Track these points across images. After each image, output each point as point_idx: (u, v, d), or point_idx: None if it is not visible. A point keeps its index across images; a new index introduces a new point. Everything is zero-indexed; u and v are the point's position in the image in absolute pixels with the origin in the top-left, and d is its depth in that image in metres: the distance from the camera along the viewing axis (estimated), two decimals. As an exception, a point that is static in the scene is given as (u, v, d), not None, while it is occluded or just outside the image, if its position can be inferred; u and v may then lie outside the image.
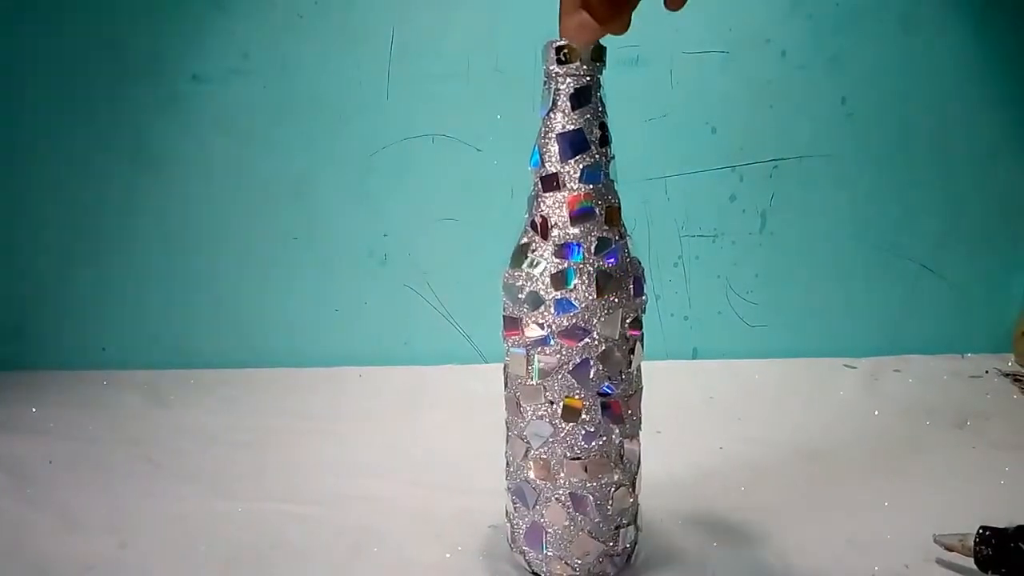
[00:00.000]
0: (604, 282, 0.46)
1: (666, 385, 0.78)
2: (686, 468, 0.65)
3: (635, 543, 0.53)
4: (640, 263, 0.49)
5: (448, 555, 0.55)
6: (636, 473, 0.51)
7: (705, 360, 0.86)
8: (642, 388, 0.51)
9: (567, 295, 0.46)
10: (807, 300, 0.85)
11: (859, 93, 0.80)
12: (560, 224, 0.46)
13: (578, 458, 0.48)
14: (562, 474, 0.48)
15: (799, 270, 0.84)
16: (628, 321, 0.47)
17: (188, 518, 0.59)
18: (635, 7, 0.42)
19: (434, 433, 0.71)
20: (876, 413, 0.75)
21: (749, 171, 0.82)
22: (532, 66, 0.77)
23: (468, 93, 0.79)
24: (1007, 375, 0.82)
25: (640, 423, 0.51)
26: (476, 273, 0.80)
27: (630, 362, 0.48)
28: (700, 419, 0.74)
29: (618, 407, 0.48)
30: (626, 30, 0.45)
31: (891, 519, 0.59)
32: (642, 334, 0.49)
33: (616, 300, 0.46)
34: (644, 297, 0.49)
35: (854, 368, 0.83)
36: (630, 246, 0.49)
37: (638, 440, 0.51)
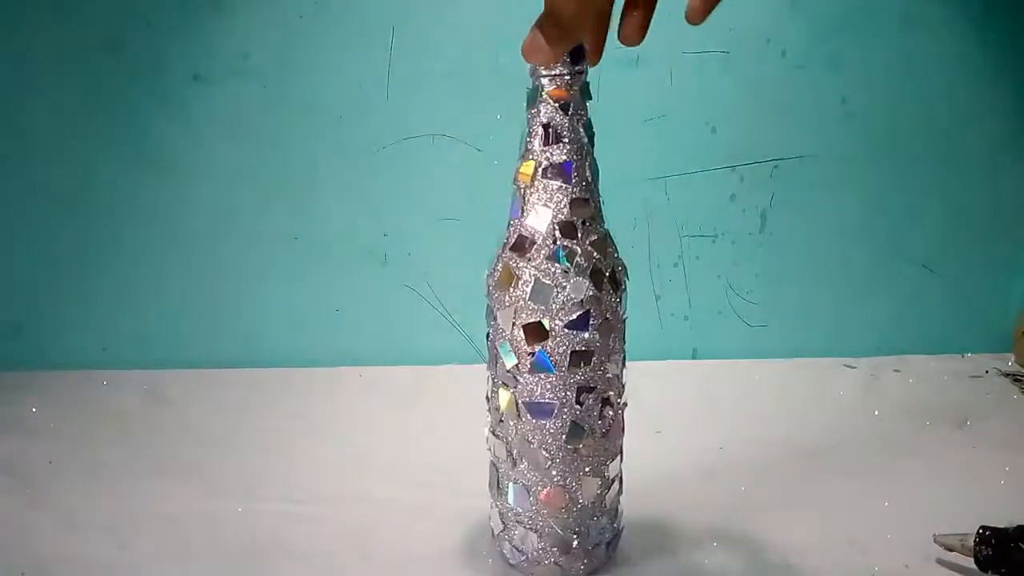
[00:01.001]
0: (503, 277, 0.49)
1: (666, 385, 0.79)
2: (686, 468, 0.65)
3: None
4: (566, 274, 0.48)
5: (447, 555, 0.55)
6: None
7: (705, 360, 0.86)
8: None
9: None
10: (807, 300, 0.85)
11: (859, 93, 0.80)
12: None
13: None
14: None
15: (799, 270, 0.84)
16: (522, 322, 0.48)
17: (188, 518, 0.59)
18: (582, 36, 0.43)
19: (434, 433, 0.71)
20: (876, 413, 0.75)
21: (749, 171, 0.82)
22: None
23: (468, 93, 0.79)
24: (1007, 375, 0.82)
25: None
26: (476, 273, 0.80)
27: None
28: (700, 419, 0.74)
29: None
30: (596, 61, 0.46)
31: (891, 519, 0.59)
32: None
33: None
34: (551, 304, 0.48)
35: (854, 368, 0.83)
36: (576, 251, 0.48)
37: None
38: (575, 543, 0.51)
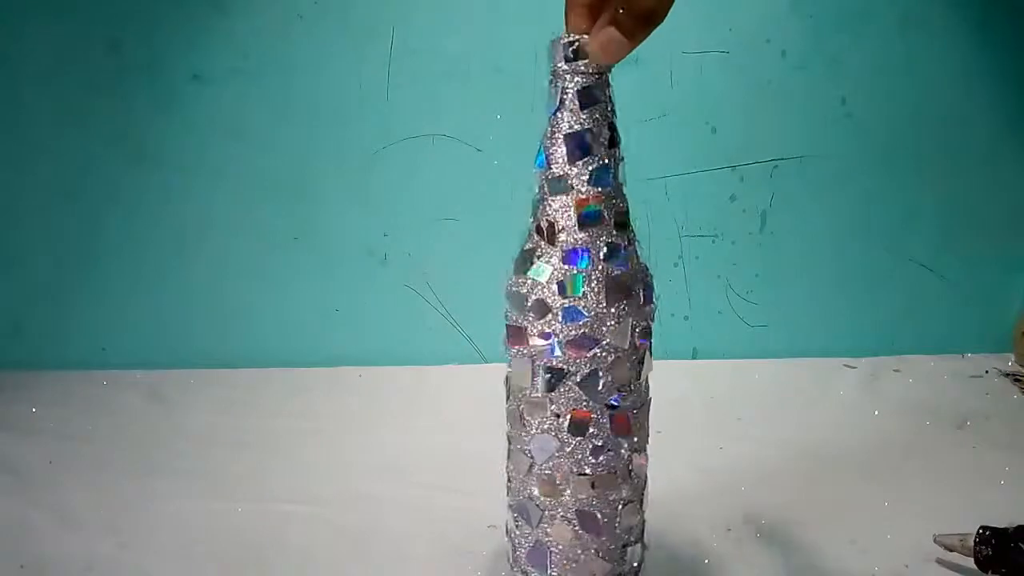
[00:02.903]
0: (613, 290, 0.44)
1: (666, 385, 0.78)
2: (686, 468, 0.65)
3: (641, 561, 0.52)
4: (648, 269, 0.47)
5: (447, 555, 0.55)
6: (644, 489, 0.49)
7: (705, 360, 0.86)
8: (650, 400, 0.49)
9: (575, 303, 0.44)
10: (807, 300, 0.85)
11: (859, 93, 0.80)
12: (567, 229, 0.44)
13: (585, 474, 0.46)
14: (568, 491, 0.46)
15: (799, 270, 0.84)
16: (638, 331, 0.46)
17: (188, 518, 0.59)
18: (663, 20, 0.42)
19: (434, 433, 0.71)
20: (876, 413, 0.75)
21: (749, 171, 0.82)
22: (532, 66, 0.77)
23: (468, 93, 0.79)
24: (1007, 375, 0.82)
25: (648, 437, 0.49)
26: (476, 273, 0.80)
27: (639, 373, 0.46)
28: (700, 419, 0.74)
29: (626, 420, 0.46)
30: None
31: (891, 519, 0.59)
32: (651, 344, 0.47)
33: (626, 309, 0.45)
34: (654, 305, 0.47)
35: (854, 368, 0.83)
36: (639, 251, 0.47)
37: (646, 455, 0.49)
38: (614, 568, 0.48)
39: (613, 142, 0.45)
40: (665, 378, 0.82)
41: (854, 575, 0.53)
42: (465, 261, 0.82)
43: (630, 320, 0.45)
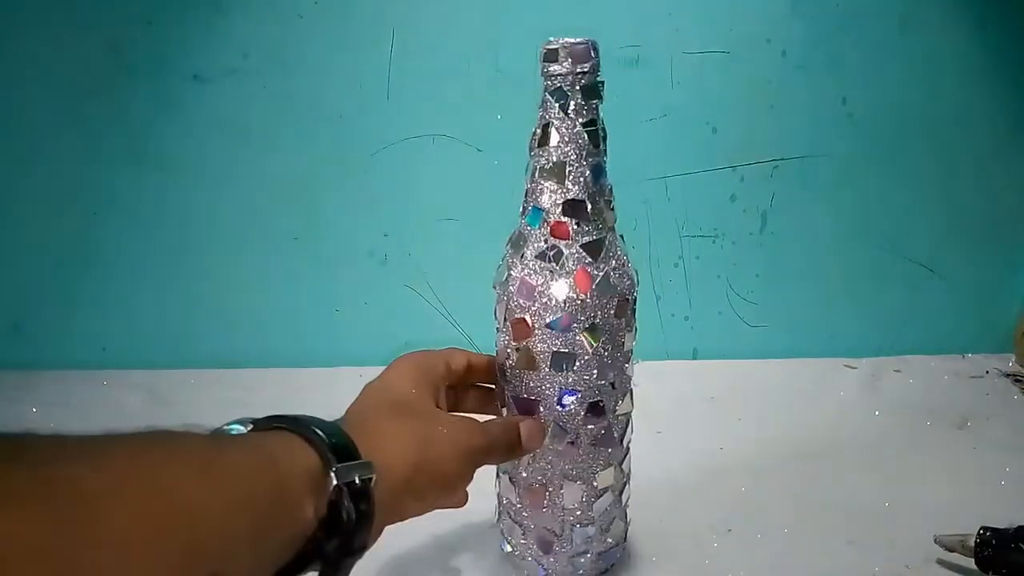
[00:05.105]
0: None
1: (666, 385, 0.79)
2: (686, 468, 0.65)
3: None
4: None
5: (447, 555, 0.55)
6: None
7: (705, 360, 0.86)
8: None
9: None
10: (807, 300, 0.85)
11: (859, 93, 0.80)
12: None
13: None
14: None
15: (799, 270, 0.84)
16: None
17: (188, 518, 0.59)
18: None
19: (434, 433, 0.71)
20: (876, 413, 0.75)
21: (749, 171, 0.82)
22: (532, 66, 0.77)
23: (468, 93, 0.79)
24: (1007, 375, 0.82)
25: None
26: (476, 273, 0.80)
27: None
28: (700, 419, 0.74)
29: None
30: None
31: (891, 519, 0.59)
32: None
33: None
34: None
35: (854, 368, 0.83)
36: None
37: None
38: (555, 546, 0.51)
39: (542, 142, 0.47)
40: (665, 378, 0.82)
41: (854, 575, 0.53)
42: (465, 261, 0.82)
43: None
